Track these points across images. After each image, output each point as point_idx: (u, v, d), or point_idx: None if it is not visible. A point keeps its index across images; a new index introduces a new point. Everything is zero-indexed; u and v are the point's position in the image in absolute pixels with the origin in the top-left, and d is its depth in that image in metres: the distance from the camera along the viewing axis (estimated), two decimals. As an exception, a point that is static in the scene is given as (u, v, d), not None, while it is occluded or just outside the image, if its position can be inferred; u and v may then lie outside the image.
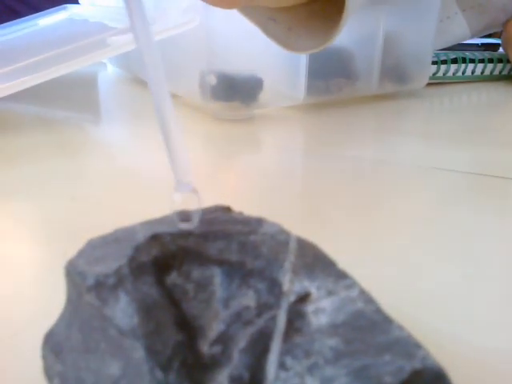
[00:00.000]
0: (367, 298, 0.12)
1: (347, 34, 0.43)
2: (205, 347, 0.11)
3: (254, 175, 0.30)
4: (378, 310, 0.12)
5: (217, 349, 0.11)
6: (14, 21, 0.60)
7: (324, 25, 0.30)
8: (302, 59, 0.42)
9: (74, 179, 0.29)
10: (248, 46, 0.39)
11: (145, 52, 0.13)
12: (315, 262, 0.13)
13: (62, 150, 0.34)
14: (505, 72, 0.63)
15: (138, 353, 0.10)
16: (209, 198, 0.26)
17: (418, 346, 0.11)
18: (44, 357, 0.13)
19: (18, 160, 0.31)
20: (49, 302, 0.15)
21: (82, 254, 0.13)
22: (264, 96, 0.42)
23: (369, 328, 0.12)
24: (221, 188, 0.28)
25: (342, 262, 0.14)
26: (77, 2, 0.63)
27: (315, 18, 0.31)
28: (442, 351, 0.15)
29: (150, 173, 0.30)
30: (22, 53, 0.42)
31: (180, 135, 0.13)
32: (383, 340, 0.11)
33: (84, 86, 0.56)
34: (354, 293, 0.12)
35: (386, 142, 0.37)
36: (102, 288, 0.11)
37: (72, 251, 0.13)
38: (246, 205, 0.17)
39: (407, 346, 0.11)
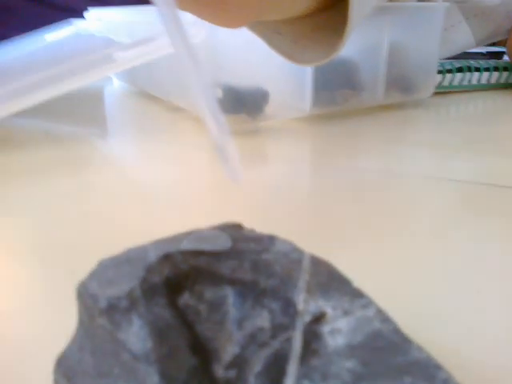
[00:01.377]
0: (384, 318, 0.12)
1: (352, 45, 0.43)
2: (220, 371, 0.11)
3: (261, 188, 0.30)
4: (396, 330, 0.12)
5: (232, 373, 0.11)
6: (21, 36, 0.61)
7: (329, 37, 0.30)
8: (308, 71, 0.42)
9: (82, 195, 0.28)
10: (253, 58, 0.39)
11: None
12: (330, 280, 0.13)
13: (69, 165, 0.34)
14: (510, 80, 0.63)
15: (153, 378, 0.10)
16: (217, 214, 0.26)
17: (438, 367, 0.11)
18: (56, 381, 0.13)
19: (25, 176, 0.31)
20: (59, 323, 0.15)
21: (93, 275, 0.12)
22: (270, 108, 0.42)
23: (387, 349, 0.11)
24: (229, 202, 0.28)
25: (356, 278, 0.13)
26: (82, 17, 0.64)
27: (320, 30, 0.31)
28: (462, 372, 0.14)
29: (158, 187, 0.30)
30: (29, 69, 0.42)
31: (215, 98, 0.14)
32: (402, 361, 0.11)
33: (90, 100, 0.57)
34: (371, 312, 0.12)
35: (393, 153, 0.37)
36: (115, 311, 0.11)
37: (81, 270, 0.13)
38: (255, 220, 0.17)
39: (427, 367, 0.11)
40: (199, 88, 0.14)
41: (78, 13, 0.65)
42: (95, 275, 0.12)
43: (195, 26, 0.38)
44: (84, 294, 0.12)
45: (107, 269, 0.13)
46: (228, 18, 0.21)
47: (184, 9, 0.20)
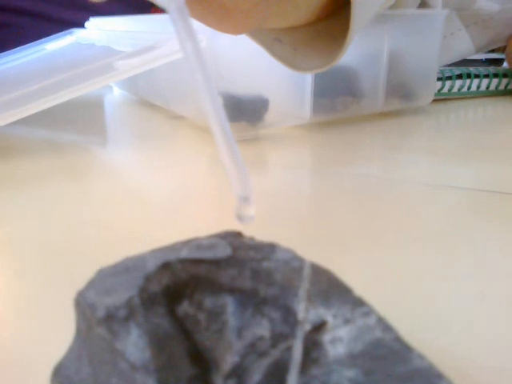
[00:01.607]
0: (385, 326, 0.12)
1: (352, 53, 0.43)
2: (219, 381, 0.11)
3: (261, 196, 0.30)
4: (397, 339, 0.12)
5: (231, 382, 0.11)
6: (22, 46, 0.61)
7: (329, 44, 0.30)
8: (308, 78, 0.42)
9: (82, 203, 0.28)
10: (253, 66, 0.39)
11: (195, 68, 0.13)
12: (330, 288, 0.13)
13: (69, 174, 0.34)
14: (510, 87, 0.63)
15: (151, 389, 0.10)
16: (217, 221, 0.26)
17: (440, 376, 0.11)
18: (53, 391, 0.12)
19: (25, 184, 0.31)
20: (57, 332, 0.15)
21: (91, 284, 0.12)
22: (270, 116, 0.42)
23: (388, 358, 0.11)
24: (229, 210, 0.28)
25: (357, 286, 0.13)
26: (83, 27, 0.64)
27: (320, 37, 0.31)
28: (464, 380, 0.14)
29: (158, 195, 0.30)
30: (30, 78, 0.42)
31: (237, 150, 0.13)
32: (404, 370, 0.11)
33: (90, 109, 0.57)
34: (372, 320, 0.12)
35: (393, 160, 0.37)
36: (113, 320, 0.11)
37: (80, 278, 0.13)
38: (254, 228, 0.17)
39: (429, 376, 0.11)
40: (221, 143, 0.14)
41: (78, 26, 0.66)
42: (93, 284, 0.12)
43: (196, 34, 0.38)
44: (82, 303, 0.12)
45: (105, 278, 0.13)
46: (232, 25, 0.21)
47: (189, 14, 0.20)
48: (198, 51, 0.14)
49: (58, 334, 0.15)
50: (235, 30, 0.21)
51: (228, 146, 0.14)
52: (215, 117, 0.14)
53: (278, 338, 0.12)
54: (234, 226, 0.16)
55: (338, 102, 0.45)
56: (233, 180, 0.14)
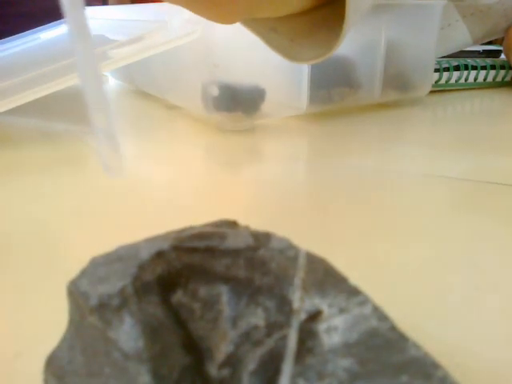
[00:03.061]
0: (381, 315, 0.12)
1: (349, 43, 0.43)
2: (213, 370, 0.11)
3: (257, 186, 0.30)
4: (393, 328, 0.12)
5: (226, 372, 0.11)
6: (17, 35, 0.60)
7: (326, 35, 0.30)
8: (304, 69, 0.41)
9: (76, 193, 0.28)
10: (250, 56, 0.39)
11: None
12: (326, 277, 0.13)
13: (64, 164, 0.33)
14: (507, 78, 0.63)
15: (144, 378, 0.10)
16: (213, 211, 0.26)
17: (435, 365, 0.11)
18: (46, 381, 0.12)
19: (20, 174, 0.31)
20: (50, 322, 0.15)
21: (84, 273, 0.12)
22: (266, 106, 0.41)
23: (384, 347, 0.11)
24: (224, 200, 0.28)
25: (352, 275, 0.13)
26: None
27: (317, 28, 0.31)
28: (460, 369, 0.14)
29: (154, 185, 0.30)
30: (24, 66, 0.42)
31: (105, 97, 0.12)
32: (399, 360, 0.11)
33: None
34: (367, 310, 0.12)
35: (390, 151, 0.36)
36: (106, 309, 0.11)
37: (74, 269, 0.13)
38: (250, 217, 0.17)
39: (425, 365, 0.11)
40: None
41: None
42: (86, 273, 0.12)
43: (191, 24, 0.38)
44: (75, 292, 0.12)
45: (99, 267, 0.12)
46: (220, 13, 0.20)
47: (176, 2, 0.20)
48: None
49: (50, 324, 0.15)
50: (225, 19, 0.21)
51: (95, 92, 0.12)
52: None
53: (272, 328, 0.12)
54: (229, 215, 0.16)
55: (334, 92, 0.45)
56: (98, 128, 0.12)
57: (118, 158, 0.12)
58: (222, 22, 0.22)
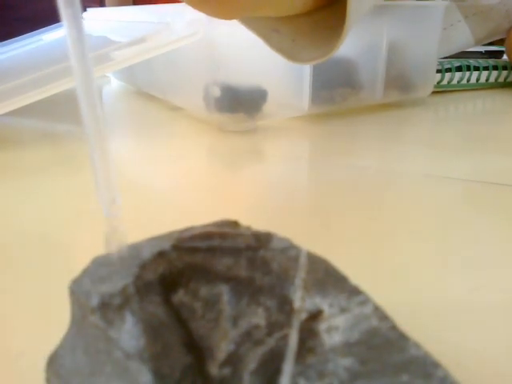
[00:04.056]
0: (382, 315, 0.12)
1: (351, 44, 0.43)
2: (214, 369, 0.11)
3: (259, 187, 0.30)
4: (394, 327, 0.12)
5: (226, 371, 0.11)
6: (20, 36, 0.61)
7: (327, 35, 0.30)
8: (306, 70, 0.41)
9: (79, 193, 0.28)
10: (252, 57, 0.39)
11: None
12: (327, 277, 0.13)
13: (66, 164, 0.33)
14: (509, 79, 0.63)
15: (145, 377, 0.10)
16: (214, 211, 0.26)
17: (436, 365, 0.11)
18: (48, 380, 0.12)
19: (22, 175, 0.31)
20: (52, 321, 0.15)
21: (86, 272, 0.12)
22: (268, 107, 0.41)
23: (384, 346, 0.11)
24: (226, 200, 0.28)
25: (353, 275, 0.13)
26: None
27: (318, 28, 0.31)
28: (460, 369, 0.14)
29: (156, 186, 0.30)
30: (26, 68, 0.42)
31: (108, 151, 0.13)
32: (400, 359, 0.11)
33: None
34: (368, 309, 0.12)
35: (392, 152, 0.36)
36: (108, 308, 0.11)
37: (76, 268, 0.13)
38: (251, 217, 0.17)
39: (425, 365, 0.11)
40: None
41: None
42: (88, 272, 0.12)
43: (193, 25, 0.38)
44: (76, 291, 0.12)
45: (100, 266, 0.12)
46: (221, 8, 0.20)
47: None
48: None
49: (52, 323, 0.15)
50: (225, 14, 0.21)
51: (99, 147, 0.13)
52: (92, 117, 0.13)
53: (273, 327, 0.12)
54: (230, 215, 0.16)
55: (336, 93, 0.45)
56: (100, 182, 0.12)
57: (117, 209, 0.13)
58: (222, 18, 0.21)
